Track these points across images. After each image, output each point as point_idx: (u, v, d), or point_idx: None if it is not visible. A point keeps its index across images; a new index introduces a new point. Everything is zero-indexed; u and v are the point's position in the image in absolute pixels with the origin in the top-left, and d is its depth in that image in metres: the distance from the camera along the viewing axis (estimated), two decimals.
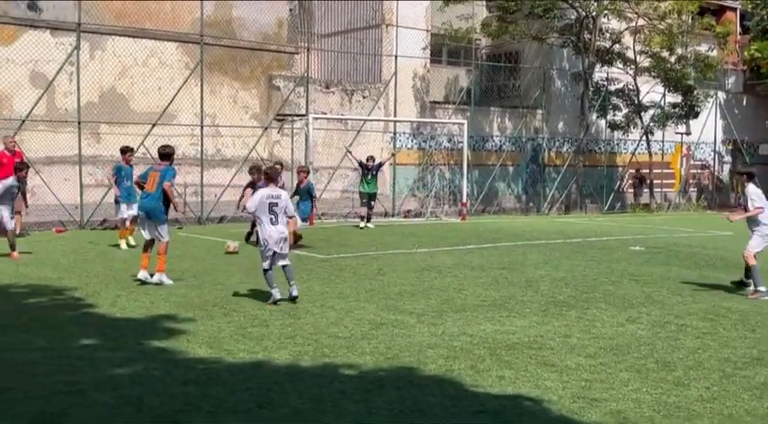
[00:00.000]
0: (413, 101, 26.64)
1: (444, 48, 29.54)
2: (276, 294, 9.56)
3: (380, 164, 20.80)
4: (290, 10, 24.95)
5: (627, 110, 29.76)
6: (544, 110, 29.48)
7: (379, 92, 25.58)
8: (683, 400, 5.99)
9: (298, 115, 22.95)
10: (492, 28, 27.61)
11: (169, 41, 21.64)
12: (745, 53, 32.66)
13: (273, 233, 9.66)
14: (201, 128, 21.30)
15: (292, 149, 22.97)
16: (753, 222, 10.98)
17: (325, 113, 24.00)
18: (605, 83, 29.43)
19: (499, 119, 28.97)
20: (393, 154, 23.89)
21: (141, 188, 11.29)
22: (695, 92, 29.80)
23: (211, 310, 9.14)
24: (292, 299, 9.62)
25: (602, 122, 30.30)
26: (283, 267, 9.75)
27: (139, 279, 10.75)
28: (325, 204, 23.00)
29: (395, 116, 25.55)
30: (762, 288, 10.63)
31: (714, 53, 30.71)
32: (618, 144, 31.30)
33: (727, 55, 31.68)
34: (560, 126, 30.19)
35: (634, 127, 29.80)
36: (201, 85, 21.15)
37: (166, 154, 11.30)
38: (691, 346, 7.73)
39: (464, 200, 24.92)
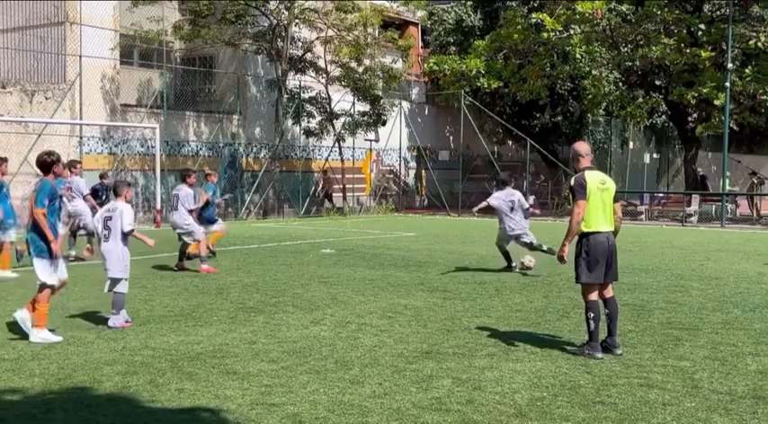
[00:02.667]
0: (102, 104, 25.42)
1: (135, 50, 28.55)
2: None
3: None
4: None
5: (320, 117, 30.78)
6: (240, 115, 29.59)
7: (63, 94, 24.07)
8: (357, 397, 6.25)
9: None
10: (184, 31, 27.17)
11: None
12: (426, 66, 35.22)
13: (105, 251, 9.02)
14: None
15: None
16: (499, 219, 14.04)
17: (2, 115, 22.09)
18: (299, 90, 30.19)
19: (195, 124, 28.58)
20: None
21: None
22: (382, 102, 31.55)
23: None
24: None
25: (298, 129, 31.06)
26: (115, 292, 9.01)
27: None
28: None
29: (81, 118, 24.18)
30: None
31: (398, 65, 32.74)
32: (313, 150, 32.27)
33: (409, 67, 33.91)
34: (257, 131, 30.48)
35: (327, 134, 30.90)
36: None
37: (43, 163, 8.37)
38: (368, 344, 8.10)
39: (158, 207, 24.23)
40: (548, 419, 5.83)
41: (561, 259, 7.82)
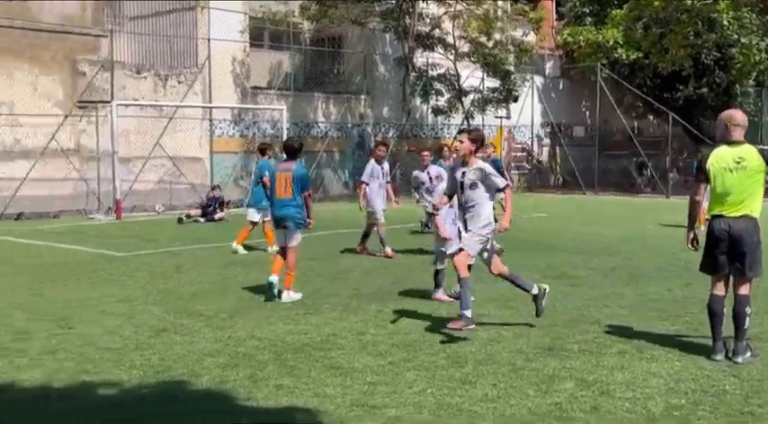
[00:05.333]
0: (232, 87, 25.68)
1: (266, 32, 28.72)
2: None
3: None
4: None
5: (449, 94, 30.06)
6: (368, 95, 29.29)
7: (195, 77, 24.45)
8: (467, 400, 5.65)
9: (101, 101, 21.48)
10: (311, 11, 27.03)
11: None
12: (559, 38, 33.78)
13: None
14: None
15: (97, 138, 21.49)
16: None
17: (137, 99, 22.65)
18: (427, 68, 29.57)
19: (323, 105, 28.50)
20: None
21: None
22: (513, 77, 30.48)
23: None
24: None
25: (426, 107, 30.48)
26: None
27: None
28: (138, 196, 21.74)
29: (212, 102, 24.51)
30: None
31: (530, 38, 31.50)
32: (441, 128, 31.63)
33: (541, 39, 32.57)
34: (385, 111, 30.11)
35: (456, 111, 30.15)
36: None
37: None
38: (485, 337, 7.47)
39: None
40: None
41: None
